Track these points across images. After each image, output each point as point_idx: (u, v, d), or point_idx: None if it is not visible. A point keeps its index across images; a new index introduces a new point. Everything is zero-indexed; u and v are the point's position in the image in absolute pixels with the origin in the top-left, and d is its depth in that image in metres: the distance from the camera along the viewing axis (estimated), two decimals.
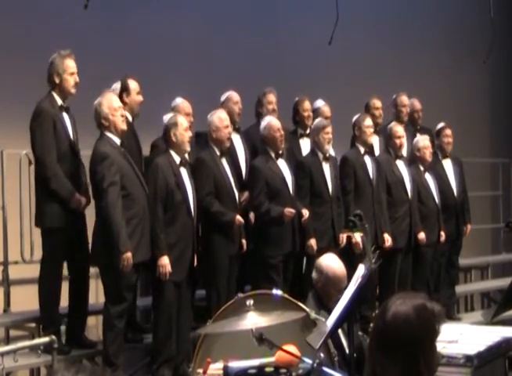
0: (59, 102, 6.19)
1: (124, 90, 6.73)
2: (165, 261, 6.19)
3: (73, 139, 6.24)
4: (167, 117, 6.59)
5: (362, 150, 7.73)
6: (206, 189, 6.64)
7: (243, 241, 6.87)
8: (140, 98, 6.77)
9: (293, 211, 6.94)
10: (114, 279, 5.98)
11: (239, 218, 6.68)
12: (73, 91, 6.20)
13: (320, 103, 8.23)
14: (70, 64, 6.18)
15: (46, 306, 6.16)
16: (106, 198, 5.88)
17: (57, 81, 6.16)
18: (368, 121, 7.76)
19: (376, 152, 8.21)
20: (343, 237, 7.32)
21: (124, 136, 6.26)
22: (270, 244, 6.94)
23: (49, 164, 6.05)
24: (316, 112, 8.10)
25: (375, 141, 8.20)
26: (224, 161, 6.86)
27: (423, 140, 8.23)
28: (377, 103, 8.49)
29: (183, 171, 6.44)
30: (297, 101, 7.96)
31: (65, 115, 6.22)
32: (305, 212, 7.10)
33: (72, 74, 6.18)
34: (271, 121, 7.20)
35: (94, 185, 6.04)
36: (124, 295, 6.01)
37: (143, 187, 6.17)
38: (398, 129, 7.99)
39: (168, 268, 6.19)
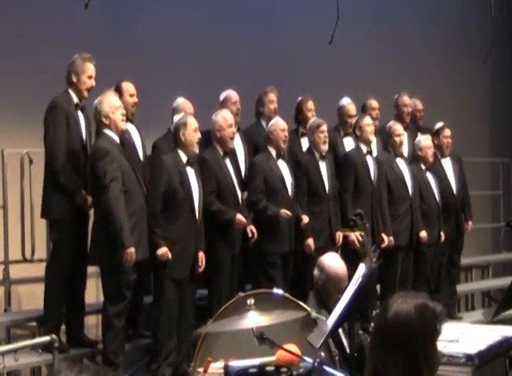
0: (75, 100, 6.23)
1: (116, 92, 6.74)
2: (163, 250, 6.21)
3: (85, 139, 6.27)
4: (177, 117, 6.59)
5: (364, 149, 7.75)
6: (208, 188, 6.64)
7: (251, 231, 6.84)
8: (134, 100, 6.75)
9: (289, 213, 6.94)
10: (114, 277, 5.98)
11: (239, 216, 6.67)
12: (85, 94, 6.26)
13: (346, 101, 8.17)
14: (90, 67, 6.25)
15: (50, 303, 6.15)
16: (108, 193, 5.85)
17: (74, 80, 6.21)
18: (367, 120, 7.78)
19: (374, 153, 8.20)
20: (339, 236, 7.32)
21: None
22: (268, 241, 6.96)
23: (59, 157, 6.07)
24: (341, 110, 8.08)
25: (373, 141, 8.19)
26: (227, 161, 6.87)
27: (425, 140, 8.25)
28: (374, 103, 8.49)
29: (189, 171, 6.43)
30: (300, 100, 7.95)
31: (80, 114, 6.26)
32: (305, 217, 7.10)
33: (90, 77, 6.24)
34: (278, 121, 7.27)
35: (95, 180, 5.99)
36: (123, 294, 6.00)
37: (141, 186, 6.16)
38: (398, 127, 8.01)
39: (168, 255, 6.20)
